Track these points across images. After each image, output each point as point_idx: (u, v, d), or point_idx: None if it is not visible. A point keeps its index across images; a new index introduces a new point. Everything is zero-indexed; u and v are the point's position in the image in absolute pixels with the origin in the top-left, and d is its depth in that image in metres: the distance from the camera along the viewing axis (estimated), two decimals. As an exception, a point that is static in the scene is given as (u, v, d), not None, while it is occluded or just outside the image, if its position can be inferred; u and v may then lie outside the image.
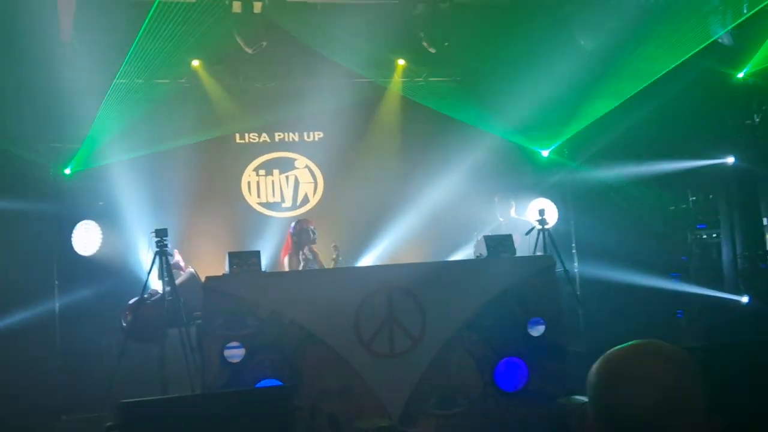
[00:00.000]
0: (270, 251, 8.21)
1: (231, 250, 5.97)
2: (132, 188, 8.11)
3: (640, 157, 8.48)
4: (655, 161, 8.45)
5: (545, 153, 9.47)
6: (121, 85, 8.31)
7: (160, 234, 6.31)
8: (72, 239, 7.82)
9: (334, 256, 7.46)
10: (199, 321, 5.93)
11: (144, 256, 7.47)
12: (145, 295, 6.54)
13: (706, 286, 8.34)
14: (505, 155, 9.14)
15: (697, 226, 8.89)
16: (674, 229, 9.03)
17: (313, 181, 9.42)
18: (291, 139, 9.39)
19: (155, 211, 8.10)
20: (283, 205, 9.30)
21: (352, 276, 6.34)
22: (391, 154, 9.54)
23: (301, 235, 7.35)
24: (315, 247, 7.45)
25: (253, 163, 9.26)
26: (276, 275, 6.61)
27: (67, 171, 7.97)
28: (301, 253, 7.32)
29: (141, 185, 8.23)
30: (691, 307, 8.47)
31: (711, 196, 8.85)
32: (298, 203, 9.33)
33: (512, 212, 8.34)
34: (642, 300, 8.04)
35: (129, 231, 7.94)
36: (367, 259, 8.66)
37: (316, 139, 9.43)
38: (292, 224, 7.55)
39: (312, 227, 7.41)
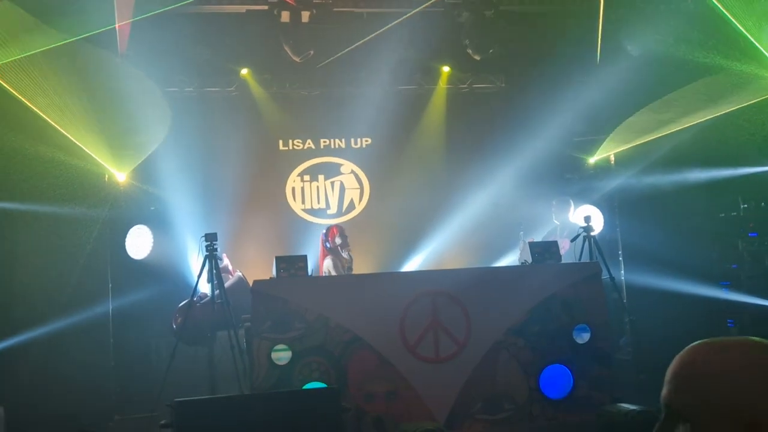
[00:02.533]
0: (315, 257, 8.39)
1: (278, 254, 6.12)
2: (182, 194, 8.33)
3: (689, 162, 8.41)
4: (705, 167, 8.37)
5: (592, 160, 9.46)
6: (173, 94, 8.56)
7: (210, 238, 6.47)
8: (125, 243, 8.06)
9: (345, 261, 7.43)
10: (248, 324, 6.08)
11: (194, 259, 7.66)
12: (195, 298, 6.71)
13: (758, 296, 8.22)
14: (551, 162, 9.14)
15: (749, 234, 8.76)
16: (724, 237, 8.92)
17: (359, 186, 9.51)
18: (337, 146, 9.51)
19: (205, 216, 8.31)
20: (329, 212, 9.40)
21: (398, 281, 6.44)
22: (436, 160, 9.63)
23: (334, 240, 7.40)
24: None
25: (298, 168, 9.39)
26: (322, 279, 6.74)
27: (122, 178, 8.23)
28: (341, 256, 7.38)
29: (191, 191, 8.44)
30: (742, 316, 8.34)
31: (763, 204, 8.71)
32: (343, 209, 9.44)
33: (570, 215, 8.33)
34: (691, 308, 7.94)
35: (179, 235, 8.14)
36: (411, 265, 8.75)
37: (364, 145, 9.55)
38: (324, 231, 7.60)
39: (343, 230, 7.50)
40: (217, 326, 6.60)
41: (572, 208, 8.38)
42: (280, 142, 9.38)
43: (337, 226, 7.56)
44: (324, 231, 7.57)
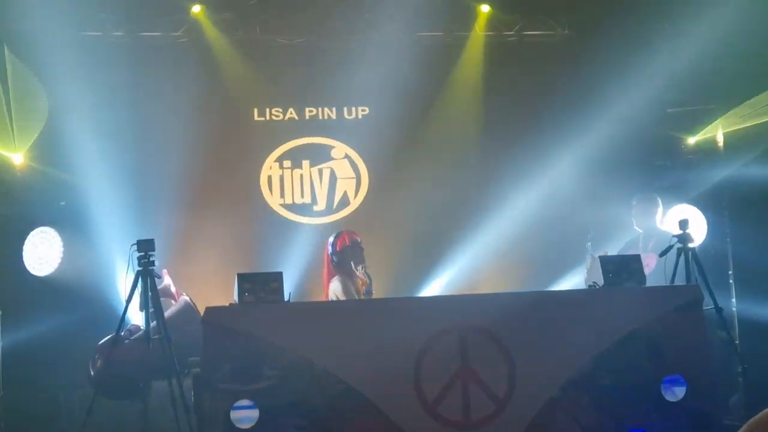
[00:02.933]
0: (297, 272, 8.43)
1: (242, 271, 6.15)
2: (107, 183, 8.36)
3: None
4: None
5: (692, 141, 9.48)
6: (94, 41, 8.58)
7: (144, 247, 6.48)
8: (22, 253, 8.07)
9: (363, 284, 7.38)
10: (197, 369, 6.09)
11: (122, 277, 7.65)
12: (123, 333, 6.72)
13: None
14: (633, 144, 9.16)
15: None
16: None
17: (354, 175, 9.66)
18: (326, 116, 9.66)
19: (138, 215, 8.38)
20: (315, 208, 9.57)
21: (412, 310, 6.39)
22: (466, 140, 9.71)
23: (345, 254, 7.35)
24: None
25: (276, 151, 9.54)
26: (305, 307, 6.74)
27: (18, 159, 8.25)
28: (355, 276, 7.35)
29: (119, 179, 8.50)
30: None
31: None
32: (334, 206, 9.60)
33: (658, 219, 8.35)
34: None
35: (101, 242, 8.18)
36: (431, 287, 8.76)
37: (360, 116, 9.66)
38: (330, 240, 7.50)
39: (359, 239, 7.44)
40: (154, 373, 6.61)
41: (661, 209, 8.40)
42: (255, 111, 9.51)
43: (349, 232, 7.50)
44: (331, 239, 7.45)
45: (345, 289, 7.22)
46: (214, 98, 9.23)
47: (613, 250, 8.14)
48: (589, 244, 8.08)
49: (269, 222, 9.39)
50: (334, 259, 7.36)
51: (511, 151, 9.41)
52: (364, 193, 9.65)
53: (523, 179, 9.11)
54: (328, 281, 7.35)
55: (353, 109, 9.67)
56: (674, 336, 6.15)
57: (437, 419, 5.82)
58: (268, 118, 9.59)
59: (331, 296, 7.24)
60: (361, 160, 9.66)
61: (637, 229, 8.31)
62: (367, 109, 9.66)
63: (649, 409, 6.06)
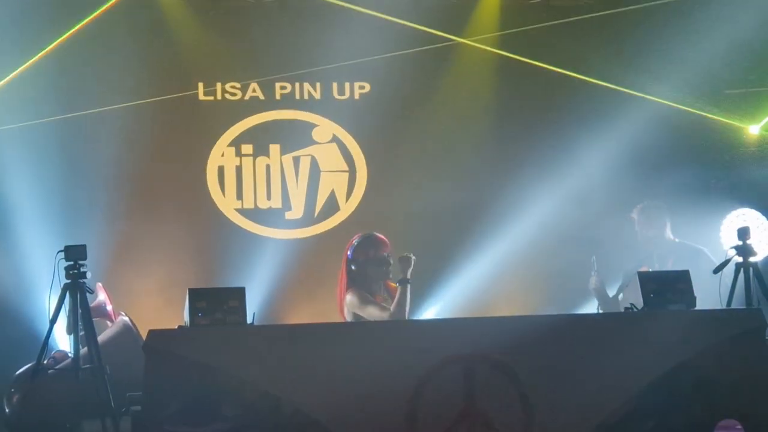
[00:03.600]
0: (263, 287, 8.42)
1: (194, 286, 6.17)
2: (25, 177, 8.41)
3: None
4: None
5: (754, 130, 9.54)
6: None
7: (74, 255, 6.53)
8: None
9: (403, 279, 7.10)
10: (137, 408, 6.10)
11: (45, 292, 7.67)
12: (46, 361, 6.74)
13: None
14: (679, 135, 9.24)
15: None
16: None
17: (347, 168, 9.50)
18: (307, 96, 9.52)
19: (65, 217, 8.42)
20: (289, 215, 9.36)
21: (408, 336, 6.37)
22: (480, 128, 9.76)
23: (367, 269, 7.27)
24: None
25: (230, 131, 9.37)
26: (273, 330, 6.74)
27: None
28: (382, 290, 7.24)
29: (41, 172, 8.55)
30: None
31: None
32: (316, 212, 9.38)
33: (667, 232, 8.37)
34: None
35: (19, 249, 8.25)
36: (433, 309, 8.83)
37: (357, 95, 9.57)
38: (355, 242, 7.26)
39: (387, 253, 7.32)
40: (84, 411, 6.64)
41: (668, 218, 8.38)
42: (200, 86, 9.36)
43: (379, 241, 7.27)
44: (356, 241, 7.24)
45: (362, 302, 7.03)
46: (152, 69, 9.19)
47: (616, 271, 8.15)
48: (594, 257, 8.03)
49: (223, 233, 9.13)
50: (352, 267, 7.19)
51: (531, 142, 9.47)
52: (361, 194, 9.43)
53: (545, 178, 9.20)
54: (343, 293, 7.17)
55: (348, 85, 9.50)
56: (730, 371, 6.17)
57: (437, 471, 5.88)
58: (219, 96, 9.34)
59: (347, 314, 7.12)
60: (356, 145, 9.45)
61: (643, 244, 8.30)
62: (367, 85, 9.53)
63: (698, 462, 6.11)
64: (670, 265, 7.81)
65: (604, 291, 7.81)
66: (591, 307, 8.30)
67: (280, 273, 8.84)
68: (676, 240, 8.24)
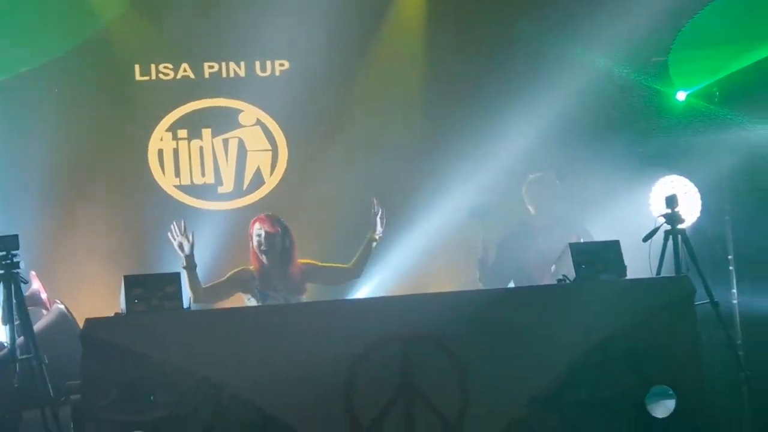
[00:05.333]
0: (201, 269, 8.37)
1: (129, 272, 6.15)
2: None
3: None
4: None
5: (682, 96, 9.62)
6: None
7: (6, 245, 6.46)
8: None
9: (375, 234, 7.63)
10: (76, 396, 6.09)
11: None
12: (-19, 352, 6.69)
13: None
14: (606, 103, 9.34)
15: None
16: None
17: (270, 147, 9.68)
18: (232, 73, 9.66)
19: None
20: (221, 189, 9.58)
21: (343, 315, 6.41)
22: (408, 99, 9.78)
23: (254, 242, 7.52)
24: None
25: (167, 117, 9.51)
26: (210, 315, 6.74)
27: None
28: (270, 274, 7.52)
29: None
30: None
31: None
32: (245, 186, 9.62)
33: (552, 205, 8.32)
34: None
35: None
36: (366, 286, 8.83)
37: (277, 72, 9.66)
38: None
39: (262, 227, 7.53)
40: (22, 402, 6.58)
41: (559, 189, 8.38)
42: (137, 68, 9.43)
43: (263, 217, 7.61)
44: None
45: (234, 275, 7.50)
46: (86, 49, 9.21)
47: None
48: (483, 228, 8.05)
49: (162, 209, 9.24)
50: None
51: (462, 113, 9.51)
52: (283, 170, 9.65)
53: (473, 151, 9.22)
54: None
55: (269, 63, 9.64)
56: (661, 339, 6.26)
57: (375, 448, 5.91)
58: (153, 76, 9.52)
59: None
60: (278, 127, 9.65)
61: (529, 212, 8.31)
62: (285, 62, 9.64)
63: (631, 429, 6.17)
64: (560, 236, 7.73)
65: (486, 263, 7.92)
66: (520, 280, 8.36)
67: (215, 242, 8.96)
68: (560, 213, 8.27)
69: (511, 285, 7.90)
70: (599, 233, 7.95)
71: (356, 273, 7.79)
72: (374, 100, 9.73)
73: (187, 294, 6.25)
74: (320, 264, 7.73)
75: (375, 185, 9.14)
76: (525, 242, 8.06)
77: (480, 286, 7.83)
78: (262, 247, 7.44)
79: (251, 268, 7.53)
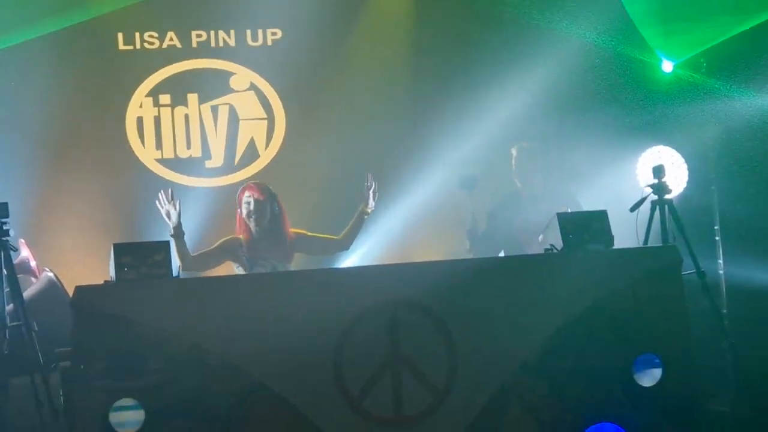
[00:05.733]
0: (188, 239, 8.39)
1: (119, 240, 6.15)
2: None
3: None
4: None
5: (668, 66, 9.63)
6: None
7: (-4, 214, 6.51)
8: None
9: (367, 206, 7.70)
10: (66, 363, 6.10)
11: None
12: (-29, 320, 6.69)
13: None
14: (593, 73, 9.33)
15: None
16: None
17: (265, 116, 9.49)
18: (222, 42, 9.48)
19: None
20: (209, 163, 9.39)
21: (331, 284, 6.39)
22: (397, 71, 9.78)
23: (242, 211, 7.56)
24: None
25: (147, 81, 9.31)
26: (199, 283, 6.73)
27: None
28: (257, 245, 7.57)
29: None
30: None
31: None
32: (236, 160, 9.41)
33: (539, 175, 8.39)
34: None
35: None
36: (354, 256, 8.84)
37: (269, 42, 9.54)
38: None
39: (251, 195, 7.55)
40: (11, 368, 6.61)
41: (544, 160, 8.45)
42: (120, 36, 9.26)
43: (252, 185, 7.66)
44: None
45: (222, 244, 7.55)
46: (70, 22, 9.04)
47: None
48: (471, 199, 8.13)
49: (144, 184, 9.05)
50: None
51: (450, 84, 9.50)
52: (280, 142, 9.47)
53: (462, 120, 9.24)
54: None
55: (261, 32, 9.47)
56: (647, 307, 6.31)
57: (363, 416, 5.94)
58: (137, 46, 9.26)
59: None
60: (274, 92, 9.45)
61: (518, 184, 8.38)
62: (278, 31, 9.49)
63: (618, 397, 6.22)
64: (546, 209, 7.68)
65: (476, 233, 7.98)
66: (509, 249, 8.39)
67: (203, 222, 8.85)
68: (548, 183, 8.32)
69: (502, 255, 7.95)
70: (586, 203, 8.01)
71: (346, 245, 7.84)
72: (363, 72, 9.68)
73: (176, 262, 6.26)
74: (310, 234, 7.74)
75: (365, 156, 9.23)
76: (513, 212, 8.14)
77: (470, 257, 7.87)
78: (252, 216, 7.48)
79: (240, 236, 7.55)
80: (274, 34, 9.52)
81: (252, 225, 7.48)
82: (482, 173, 8.61)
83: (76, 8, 9.05)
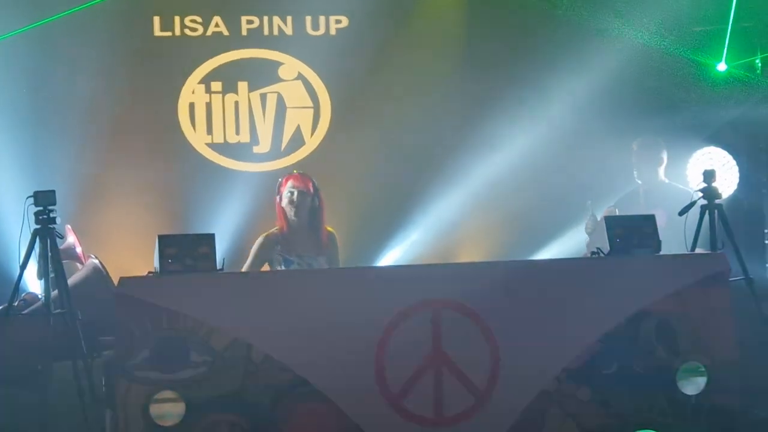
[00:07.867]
0: (233, 232, 8.42)
1: (164, 231, 6.14)
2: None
3: None
4: None
5: (722, 67, 9.53)
6: None
7: (43, 200, 6.50)
8: None
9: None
10: (109, 352, 6.13)
11: (15, 237, 7.62)
12: (16, 304, 6.73)
13: None
14: (646, 74, 9.25)
15: None
16: None
17: (311, 105, 9.50)
18: (277, 30, 9.44)
19: (34, 160, 8.39)
20: (256, 149, 9.42)
21: (375, 283, 6.41)
22: (449, 68, 9.74)
23: (283, 202, 7.55)
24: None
25: (200, 69, 9.33)
26: (243, 277, 6.77)
27: None
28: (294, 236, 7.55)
29: (8, 118, 8.50)
30: None
31: None
32: (283, 146, 9.45)
33: (660, 170, 8.40)
34: None
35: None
36: (395, 253, 8.83)
37: (333, 31, 9.49)
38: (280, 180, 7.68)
39: (295, 185, 7.54)
40: (56, 354, 6.62)
41: (665, 158, 8.42)
42: (156, 21, 9.24)
43: (297, 175, 7.63)
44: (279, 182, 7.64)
45: (258, 250, 7.46)
46: (114, 7, 9.01)
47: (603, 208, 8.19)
48: (590, 201, 8.08)
49: (193, 168, 9.19)
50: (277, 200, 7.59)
51: (501, 83, 9.44)
52: (325, 130, 9.46)
53: (513, 119, 9.16)
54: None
55: (321, 19, 9.42)
56: (693, 316, 6.24)
57: (403, 415, 5.91)
58: (176, 33, 9.23)
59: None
60: (321, 82, 9.45)
61: (637, 180, 8.36)
62: (345, 19, 9.44)
63: (661, 406, 6.17)
64: (656, 204, 7.79)
65: (602, 235, 7.86)
66: (557, 252, 8.34)
67: (249, 206, 8.89)
68: (666, 180, 8.28)
69: None
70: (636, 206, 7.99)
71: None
72: (411, 67, 9.62)
73: (220, 255, 6.25)
74: (337, 245, 7.68)
75: (407, 150, 9.26)
76: (632, 209, 8.02)
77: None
78: (294, 205, 7.45)
79: (275, 230, 7.54)
80: (338, 21, 9.49)
81: (291, 215, 7.46)
82: (528, 175, 8.62)
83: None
